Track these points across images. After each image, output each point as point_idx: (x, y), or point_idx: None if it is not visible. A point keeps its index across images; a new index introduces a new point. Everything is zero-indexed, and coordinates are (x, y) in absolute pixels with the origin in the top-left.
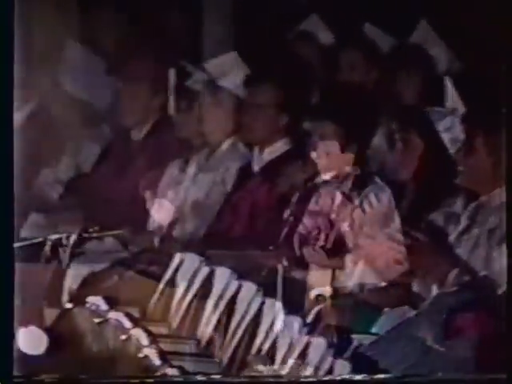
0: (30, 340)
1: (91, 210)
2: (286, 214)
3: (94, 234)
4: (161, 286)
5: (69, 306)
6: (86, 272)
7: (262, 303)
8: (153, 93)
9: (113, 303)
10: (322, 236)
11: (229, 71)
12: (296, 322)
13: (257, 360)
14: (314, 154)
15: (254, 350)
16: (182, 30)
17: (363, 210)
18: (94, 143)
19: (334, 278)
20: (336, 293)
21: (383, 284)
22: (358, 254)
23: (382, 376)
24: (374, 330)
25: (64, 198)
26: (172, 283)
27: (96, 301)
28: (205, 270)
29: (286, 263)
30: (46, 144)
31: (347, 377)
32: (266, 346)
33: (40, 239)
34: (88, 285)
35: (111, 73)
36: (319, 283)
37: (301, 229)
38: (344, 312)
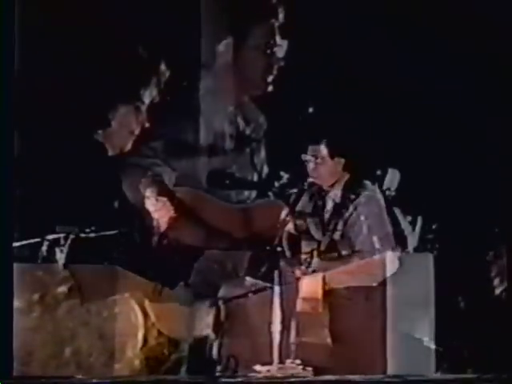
0: None
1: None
2: (283, 214)
3: (91, 235)
4: None
5: None
6: None
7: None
8: None
9: None
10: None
11: None
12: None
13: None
14: (304, 156)
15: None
16: None
17: (354, 218)
18: None
19: (324, 281)
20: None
21: (374, 284)
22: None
23: (382, 376)
24: None
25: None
26: None
27: None
28: None
29: (282, 264)
30: None
31: (347, 377)
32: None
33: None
34: None
35: None
36: (310, 287)
37: (290, 229)
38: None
